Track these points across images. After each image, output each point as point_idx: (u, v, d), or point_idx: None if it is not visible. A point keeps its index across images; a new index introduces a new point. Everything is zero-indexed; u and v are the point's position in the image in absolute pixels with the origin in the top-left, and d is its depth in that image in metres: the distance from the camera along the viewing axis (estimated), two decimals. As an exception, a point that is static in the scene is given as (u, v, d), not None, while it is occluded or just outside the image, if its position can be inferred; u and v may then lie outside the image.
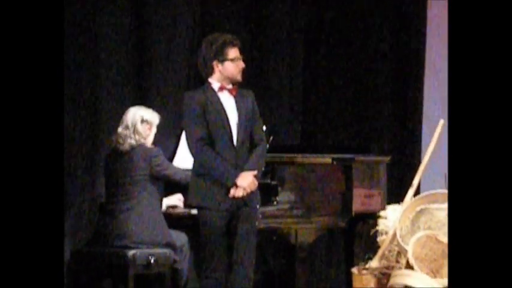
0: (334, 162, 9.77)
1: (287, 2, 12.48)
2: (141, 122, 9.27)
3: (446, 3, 14.25)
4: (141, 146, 9.25)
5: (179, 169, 9.51)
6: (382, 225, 9.54)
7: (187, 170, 9.05)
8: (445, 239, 8.77)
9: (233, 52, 8.07)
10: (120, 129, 9.30)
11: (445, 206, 9.08)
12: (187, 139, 8.23)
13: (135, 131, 9.23)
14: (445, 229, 8.88)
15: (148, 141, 9.37)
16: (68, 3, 10.21)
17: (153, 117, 9.40)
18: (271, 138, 9.24)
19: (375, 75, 12.74)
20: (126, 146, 9.28)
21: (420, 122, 12.43)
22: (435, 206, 9.29)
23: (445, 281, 8.68)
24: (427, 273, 8.87)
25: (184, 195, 9.48)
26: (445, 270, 8.90)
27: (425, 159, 9.51)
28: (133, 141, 9.22)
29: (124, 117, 9.36)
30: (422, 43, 13.30)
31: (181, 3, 11.59)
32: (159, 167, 9.26)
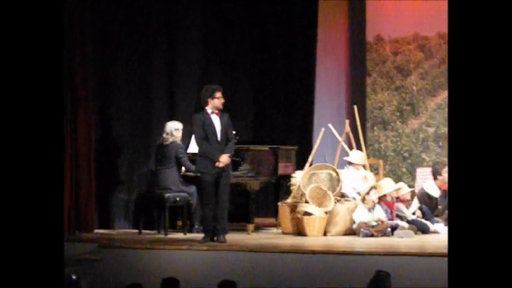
0: (269, 149, 12.22)
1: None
2: (175, 130, 11.77)
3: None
4: (174, 142, 11.75)
5: (187, 160, 11.73)
6: (293, 180, 12.13)
7: (192, 160, 11.40)
8: (324, 187, 11.54)
9: (218, 94, 10.54)
10: (164, 134, 11.79)
11: (325, 171, 11.88)
12: (195, 138, 10.88)
13: (172, 134, 11.76)
14: (326, 182, 11.72)
15: (179, 139, 11.82)
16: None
17: (180, 126, 11.86)
18: (237, 137, 11.41)
19: (284, 90, 14.54)
20: (168, 142, 11.79)
21: (312, 125, 14.42)
22: (319, 171, 11.98)
23: (324, 209, 11.38)
24: (315, 205, 11.48)
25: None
26: (324, 203, 11.50)
27: (315, 147, 12.42)
28: (171, 139, 11.76)
29: (165, 127, 11.82)
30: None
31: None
32: (181, 155, 11.73)
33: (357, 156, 12.26)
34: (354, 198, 11.78)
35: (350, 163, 12.17)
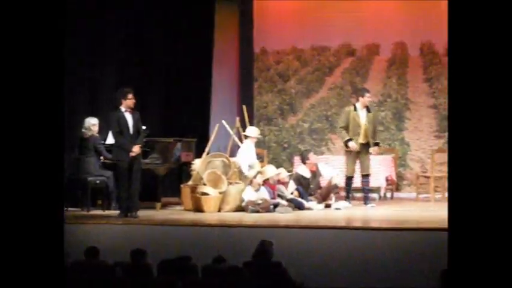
0: (174, 141, 12.17)
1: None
2: (92, 125, 11.77)
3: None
4: (92, 135, 11.76)
5: (104, 150, 11.72)
6: (193, 167, 12.08)
7: (109, 149, 11.37)
8: (219, 172, 11.50)
9: (130, 95, 10.56)
10: (83, 129, 11.73)
11: (220, 159, 11.90)
12: (112, 132, 11.03)
13: (90, 129, 11.75)
14: (220, 168, 11.68)
15: (96, 132, 11.84)
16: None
17: (96, 121, 11.82)
18: (147, 131, 11.27)
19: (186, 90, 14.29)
20: (87, 136, 11.75)
21: (209, 121, 14.28)
22: (215, 159, 12.01)
23: (219, 190, 11.40)
24: (211, 186, 11.52)
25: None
26: (219, 185, 11.49)
27: (211, 139, 12.53)
28: (89, 133, 11.74)
29: (84, 123, 11.75)
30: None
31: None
32: (98, 146, 11.75)
33: (253, 130, 12.38)
34: (244, 173, 11.86)
35: (246, 136, 12.23)
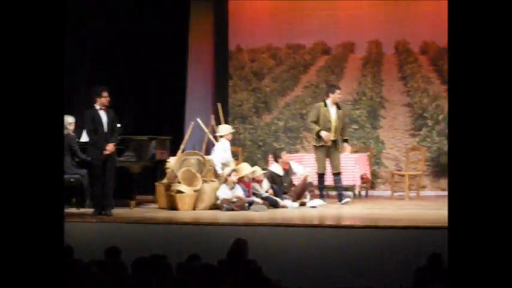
0: (148, 139, 12.20)
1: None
2: (68, 124, 11.69)
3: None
4: (68, 134, 11.62)
5: (79, 149, 11.64)
6: (168, 164, 12.10)
7: (84, 148, 11.32)
8: (194, 170, 11.43)
9: (105, 94, 10.53)
10: None
11: (195, 157, 11.84)
12: (86, 130, 11.04)
13: (65, 127, 11.47)
14: (195, 166, 11.61)
15: (71, 130, 11.78)
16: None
17: (72, 120, 11.79)
18: (121, 129, 11.34)
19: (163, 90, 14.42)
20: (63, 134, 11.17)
21: (184, 119, 14.46)
22: (190, 157, 11.96)
23: (194, 188, 11.35)
24: (186, 184, 11.52)
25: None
26: (194, 183, 11.48)
27: (186, 137, 12.54)
28: (65, 132, 11.40)
29: None
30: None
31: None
32: (73, 145, 11.68)
33: (224, 128, 12.38)
34: (217, 172, 11.90)
35: (221, 136, 12.22)
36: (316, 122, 11.91)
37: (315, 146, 12.01)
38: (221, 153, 12.01)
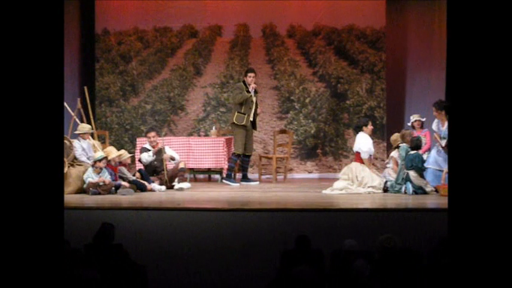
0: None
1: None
2: None
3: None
4: None
5: None
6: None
7: None
8: None
9: None
10: None
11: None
12: None
13: None
14: None
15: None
16: None
17: None
18: None
19: None
20: None
21: None
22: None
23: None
24: None
25: None
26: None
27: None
28: None
29: None
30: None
31: None
32: None
33: (82, 128, 12.22)
34: (84, 162, 11.81)
35: (80, 134, 12.09)
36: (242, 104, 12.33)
37: (236, 124, 12.40)
38: (80, 152, 11.93)
